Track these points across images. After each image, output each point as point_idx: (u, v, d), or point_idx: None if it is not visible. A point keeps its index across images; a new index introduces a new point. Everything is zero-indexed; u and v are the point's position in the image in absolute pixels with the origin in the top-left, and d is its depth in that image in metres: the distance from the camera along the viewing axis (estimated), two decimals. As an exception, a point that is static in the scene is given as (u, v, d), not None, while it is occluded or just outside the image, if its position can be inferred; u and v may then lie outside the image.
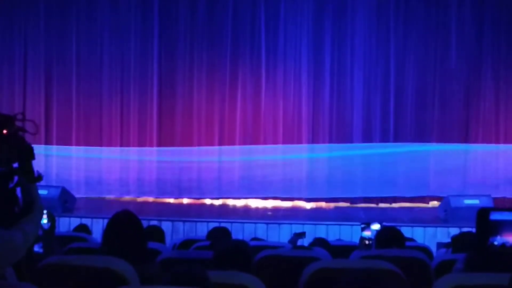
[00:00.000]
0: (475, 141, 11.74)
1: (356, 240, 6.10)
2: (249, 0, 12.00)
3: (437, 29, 11.80)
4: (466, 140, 11.75)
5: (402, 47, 11.87)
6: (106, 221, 3.63)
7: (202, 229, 9.42)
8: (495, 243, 3.34)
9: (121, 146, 12.10)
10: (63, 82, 12.12)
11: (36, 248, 4.63)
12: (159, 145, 12.08)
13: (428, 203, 11.54)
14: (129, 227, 3.47)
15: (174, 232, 9.70)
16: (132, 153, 12.06)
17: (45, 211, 5.10)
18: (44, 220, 5.17)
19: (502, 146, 11.71)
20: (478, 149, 11.72)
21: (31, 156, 2.83)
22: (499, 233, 3.35)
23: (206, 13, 12.00)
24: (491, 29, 11.70)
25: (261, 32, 11.99)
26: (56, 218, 5.80)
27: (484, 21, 11.70)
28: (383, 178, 11.65)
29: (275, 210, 11.40)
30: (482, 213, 3.40)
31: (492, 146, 11.71)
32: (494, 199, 10.41)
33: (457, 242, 5.05)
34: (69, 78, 12.10)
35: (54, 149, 11.96)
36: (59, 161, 11.96)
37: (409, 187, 11.64)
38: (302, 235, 5.31)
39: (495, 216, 3.39)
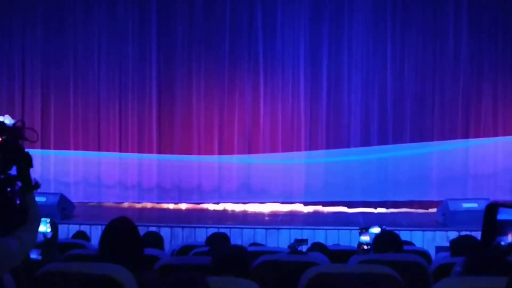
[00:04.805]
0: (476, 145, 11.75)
1: (355, 244, 6.10)
2: (246, 6, 12.02)
3: (435, 31, 11.80)
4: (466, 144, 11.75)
5: (400, 50, 11.87)
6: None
7: (201, 235, 9.41)
8: (502, 243, 3.18)
9: (120, 152, 12.10)
10: (61, 88, 12.13)
11: (35, 255, 4.62)
12: (158, 151, 12.08)
13: (427, 209, 11.49)
14: (125, 234, 3.46)
15: (173, 238, 9.69)
16: (131, 159, 12.05)
17: (48, 220, 5.12)
18: (48, 229, 5.18)
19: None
20: (479, 152, 11.72)
21: (29, 164, 2.83)
22: (507, 232, 3.16)
23: (204, 19, 12.03)
24: (488, 31, 11.72)
25: (258, 38, 12.01)
26: (55, 225, 5.80)
27: (481, 23, 11.72)
28: (382, 182, 11.64)
29: (274, 215, 11.39)
30: (491, 209, 3.17)
31: (491, 144, 11.72)
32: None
33: (455, 246, 5.04)
34: (67, 84, 12.11)
35: (52, 154, 11.95)
36: (57, 167, 11.96)
37: (409, 191, 11.61)
38: (303, 241, 5.26)
39: (503, 215, 3.17)
